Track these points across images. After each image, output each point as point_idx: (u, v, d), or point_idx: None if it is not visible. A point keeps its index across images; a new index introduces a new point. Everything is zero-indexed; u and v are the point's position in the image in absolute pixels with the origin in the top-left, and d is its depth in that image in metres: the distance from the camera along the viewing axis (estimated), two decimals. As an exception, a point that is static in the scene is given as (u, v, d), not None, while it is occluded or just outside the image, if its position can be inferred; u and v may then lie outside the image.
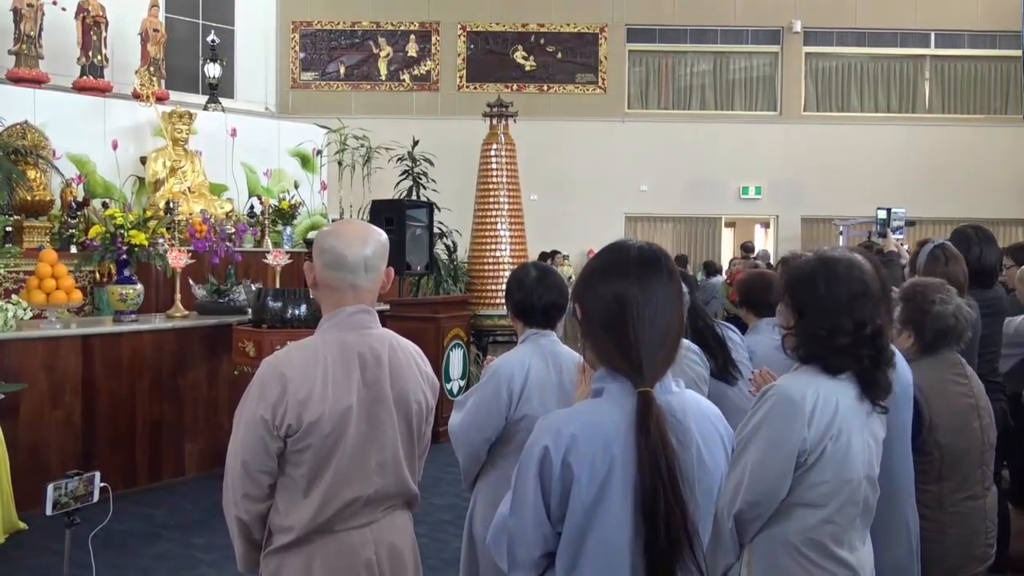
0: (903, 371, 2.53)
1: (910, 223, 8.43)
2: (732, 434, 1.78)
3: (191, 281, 6.59)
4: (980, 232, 4.09)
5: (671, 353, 1.65)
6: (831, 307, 2.00)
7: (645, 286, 1.63)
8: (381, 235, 2.12)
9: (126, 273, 6.09)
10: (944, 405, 2.74)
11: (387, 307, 7.36)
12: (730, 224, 14.88)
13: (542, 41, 14.11)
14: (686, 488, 1.56)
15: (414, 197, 10.94)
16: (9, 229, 7.38)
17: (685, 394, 1.71)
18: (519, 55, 14.08)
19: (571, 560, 1.59)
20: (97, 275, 7.35)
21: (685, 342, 3.44)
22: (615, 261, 1.68)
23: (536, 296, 2.81)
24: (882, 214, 5.07)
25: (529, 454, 1.61)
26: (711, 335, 3.47)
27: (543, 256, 12.19)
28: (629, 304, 1.61)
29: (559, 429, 1.59)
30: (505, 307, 2.93)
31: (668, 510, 1.52)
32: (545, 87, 14.07)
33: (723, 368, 3.47)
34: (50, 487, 3.00)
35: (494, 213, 8.49)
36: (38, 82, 9.11)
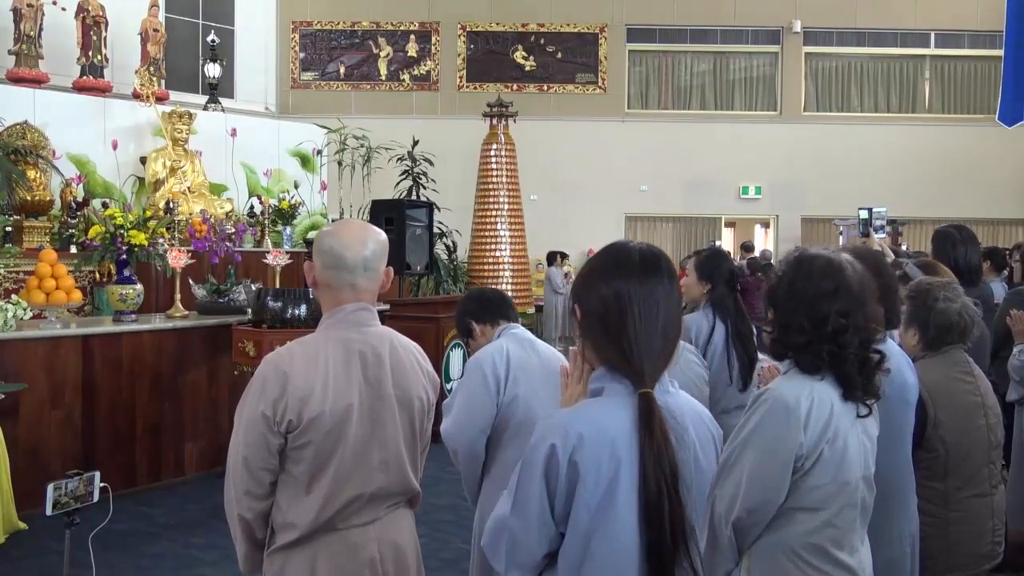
0: (902, 373, 2.52)
1: (892, 222, 8.44)
2: (722, 435, 1.79)
3: (191, 281, 6.58)
4: (962, 231, 4.15)
5: (670, 354, 1.66)
6: (792, 304, 2.01)
7: (646, 287, 1.63)
8: (380, 235, 2.13)
9: (126, 273, 6.08)
10: (949, 402, 2.74)
11: (387, 307, 7.36)
12: (730, 224, 14.89)
13: (542, 41, 14.11)
14: (683, 489, 1.57)
15: (414, 197, 10.95)
16: (9, 229, 7.38)
17: (680, 395, 1.72)
18: (519, 55, 14.08)
19: (576, 560, 1.58)
20: (97, 275, 7.35)
21: (683, 343, 3.45)
22: (616, 261, 1.68)
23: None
24: (863, 214, 5.09)
25: (535, 452, 1.59)
26: (745, 339, 3.60)
27: (551, 256, 12.20)
28: (630, 304, 1.62)
29: (566, 429, 1.58)
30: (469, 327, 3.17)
31: (672, 512, 1.53)
32: (545, 87, 14.07)
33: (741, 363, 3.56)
34: (50, 487, 3.00)
35: (494, 213, 8.51)
36: (38, 82, 9.11)
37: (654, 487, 1.53)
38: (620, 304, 1.62)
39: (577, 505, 1.56)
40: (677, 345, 1.69)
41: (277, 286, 6.60)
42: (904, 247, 9.00)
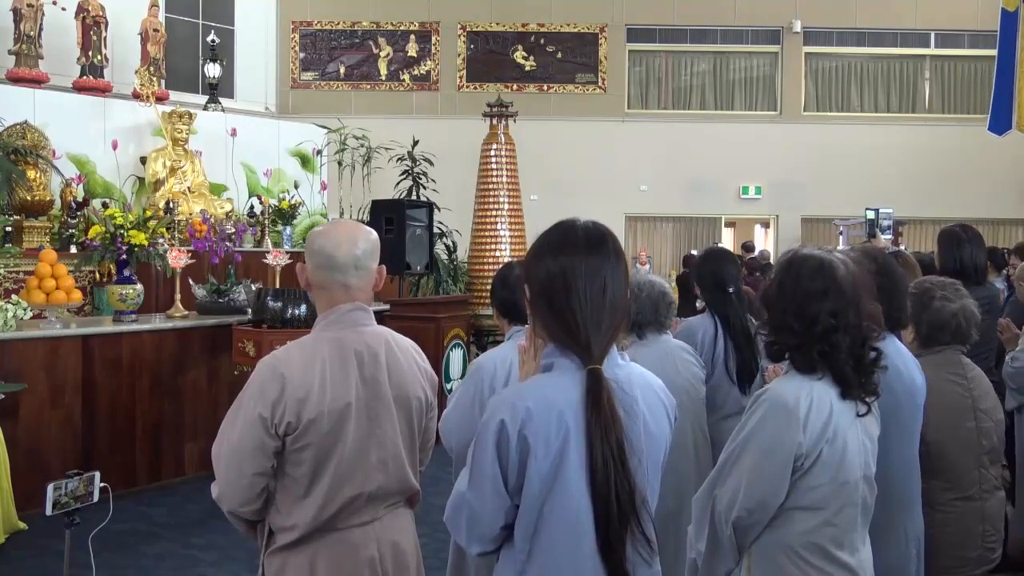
0: (911, 374, 2.51)
1: (899, 223, 8.41)
2: (674, 403, 1.81)
3: (191, 281, 6.59)
4: (968, 231, 4.13)
5: (617, 329, 1.69)
6: (783, 305, 2.03)
7: (591, 263, 1.66)
8: (371, 234, 2.13)
9: (126, 273, 6.09)
10: (936, 401, 2.69)
11: (387, 307, 7.36)
12: (730, 224, 14.88)
13: (542, 41, 14.11)
14: (634, 460, 1.61)
15: (414, 197, 10.94)
16: (9, 229, 7.38)
17: (631, 367, 1.74)
18: (519, 55, 14.08)
19: (530, 530, 1.62)
20: (97, 275, 7.36)
21: (679, 343, 3.43)
22: (563, 238, 1.71)
23: (520, 294, 2.86)
24: (870, 214, 5.08)
25: (486, 429, 1.63)
26: (741, 332, 3.56)
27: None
28: (576, 280, 1.65)
29: (514, 403, 1.62)
30: (491, 306, 2.99)
31: (618, 485, 1.57)
32: (545, 87, 14.07)
33: (742, 368, 3.54)
34: (50, 487, 3.00)
35: (494, 213, 8.49)
36: (38, 82, 9.10)
37: (600, 461, 1.57)
38: (566, 280, 1.65)
39: (529, 476, 1.60)
40: (624, 321, 1.73)
41: (277, 286, 6.60)
42: (903, 247, 8.99)
